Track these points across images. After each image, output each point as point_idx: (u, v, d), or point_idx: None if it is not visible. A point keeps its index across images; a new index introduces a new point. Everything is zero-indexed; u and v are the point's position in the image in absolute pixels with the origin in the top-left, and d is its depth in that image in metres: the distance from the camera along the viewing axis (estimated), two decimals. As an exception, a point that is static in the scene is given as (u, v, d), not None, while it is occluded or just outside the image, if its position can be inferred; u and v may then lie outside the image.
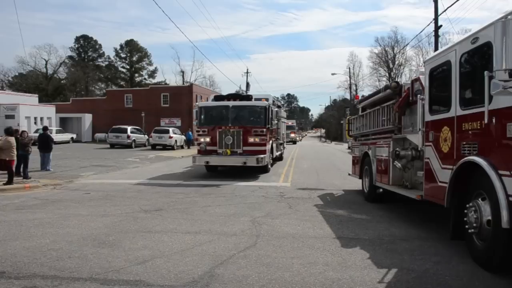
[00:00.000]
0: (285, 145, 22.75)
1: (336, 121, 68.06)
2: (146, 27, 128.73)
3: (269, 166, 14.98)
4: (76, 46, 77.65)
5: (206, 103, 15.16)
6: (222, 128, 13.64)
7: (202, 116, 14.38)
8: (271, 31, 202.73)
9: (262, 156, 13.36)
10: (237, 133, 13.54)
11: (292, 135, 51.79)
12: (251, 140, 13.47)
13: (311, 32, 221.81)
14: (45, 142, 15.25)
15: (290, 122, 53.82)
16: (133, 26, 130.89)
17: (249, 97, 15.29)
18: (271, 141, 14.85)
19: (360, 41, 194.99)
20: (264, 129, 13.77)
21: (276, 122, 16.70)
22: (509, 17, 4.05)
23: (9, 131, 11.49)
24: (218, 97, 15.48)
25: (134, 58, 78.28)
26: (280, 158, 19.99)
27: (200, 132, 14.14)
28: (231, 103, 14.31)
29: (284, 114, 22.19)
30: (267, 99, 15.48)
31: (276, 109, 16.38)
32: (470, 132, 4.85)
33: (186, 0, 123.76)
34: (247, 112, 14.43)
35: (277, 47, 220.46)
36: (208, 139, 13.81)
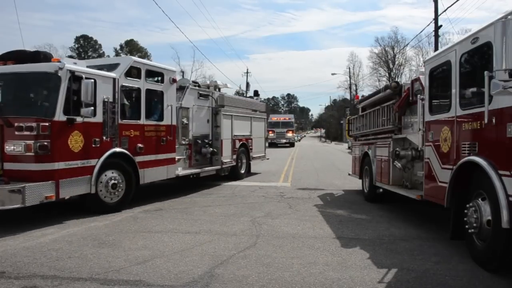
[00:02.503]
0: (252, 155, 14.10)
1: (336, 121, 68.06)
2: (145, 27, 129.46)
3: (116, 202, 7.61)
4: (76, 46, 77.73)
5: None
6: None
7: None
8: (270, 31, 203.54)
9: (35, 184, 6.18)
10: None
11: (289, 134, 42.80)
12: (11, 148, 6.42)
13: (310, 32, 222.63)
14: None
15: (287, 118, 46.10)
16: (131, 26, 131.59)
17: (35, 57, 7.22)
18: (108, 152, 7.41)
19: (358, 41, 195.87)
20: (43, 124, 6.38)
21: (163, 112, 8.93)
22: (509, 17, 4.05)
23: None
24: None
25: (134, 58, 78.30)
26: (236, 174, 12.85)
27: None
28: None
29: (243, 103, 13.90)
30: (115, 65, 7.99)
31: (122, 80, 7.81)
32: (470, 132, 4.85)
33: (185, 0, 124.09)
34: (22, 87, 7.13)
35: (276, 47, 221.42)
36: None
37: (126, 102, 8.00)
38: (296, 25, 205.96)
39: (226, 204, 8.71)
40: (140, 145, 8.23)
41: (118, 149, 7.67)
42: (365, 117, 10.27)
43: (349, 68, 63.83)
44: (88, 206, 7.42)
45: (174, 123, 9.39)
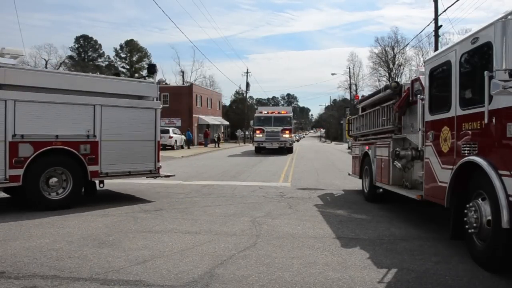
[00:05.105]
0: (102, 171, 8.25)
1: (336, 121, 68.18)
2: (144, 27, 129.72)
3: None
4: (76, 46, 77.90)
5: None
6: None
7: None
8: (268, 31, 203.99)
9: None
10: None
11: (286, 135, 29.30)
12: None
13: (308, 32, 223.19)
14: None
15: (283, 111, 31.18)
16: (130, 26, 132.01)
17: None
18: None
19: (357, 41, 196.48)
20: None
21: None
22: (509, 17, 4.05)
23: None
24: None
25: (134, 58, 78.46)
26: (32, 199, 7.51)
27: None
28: None
29: (69, 79, 8.29)
30: None
31: None
32: (470, 132, 4.85)
33: (183, 1, 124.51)
34: None
35: (275, 47, 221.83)
36: None
37: None
38: (294, 25, 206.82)
39: (226, 204, 8.71)
40: None
41: None
42: (365, 117, 10.27)
43: (349, 68, 64.03)
44: None
45: None
